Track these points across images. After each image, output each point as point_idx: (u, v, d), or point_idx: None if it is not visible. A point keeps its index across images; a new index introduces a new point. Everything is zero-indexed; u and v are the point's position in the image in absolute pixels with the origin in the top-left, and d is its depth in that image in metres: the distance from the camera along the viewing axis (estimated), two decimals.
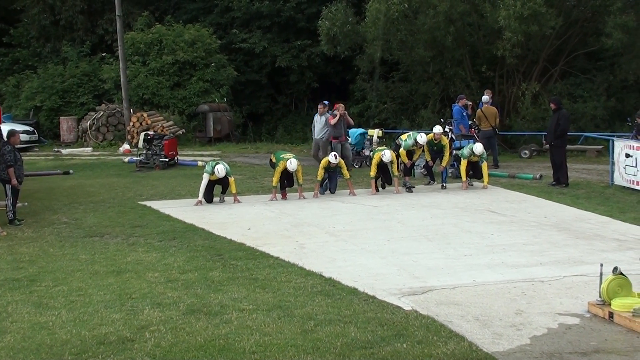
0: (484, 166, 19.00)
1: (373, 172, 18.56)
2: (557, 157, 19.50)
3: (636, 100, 29.12)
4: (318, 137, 21.56)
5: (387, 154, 18.32)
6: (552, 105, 19.90)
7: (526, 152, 26.14)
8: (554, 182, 19.38)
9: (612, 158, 19.36)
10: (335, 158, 18.24)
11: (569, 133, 24.70)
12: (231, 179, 17.55)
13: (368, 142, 25.01)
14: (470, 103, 23.82)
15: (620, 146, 19.08)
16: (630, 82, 29.20)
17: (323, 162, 18.38)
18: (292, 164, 17.65)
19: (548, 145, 19.95)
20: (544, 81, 29.24)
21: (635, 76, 28.68)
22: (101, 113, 32.34)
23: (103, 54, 35.91)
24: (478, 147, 18.79)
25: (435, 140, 19.42)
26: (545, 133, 20.85)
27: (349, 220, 15.30)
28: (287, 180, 18.13)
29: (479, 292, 10.37)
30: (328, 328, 8.75)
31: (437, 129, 19.61)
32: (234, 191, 17.54)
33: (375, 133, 25.33)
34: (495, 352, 8.09)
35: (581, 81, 29.76)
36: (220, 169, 17.15)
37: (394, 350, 8.09)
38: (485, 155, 19.26)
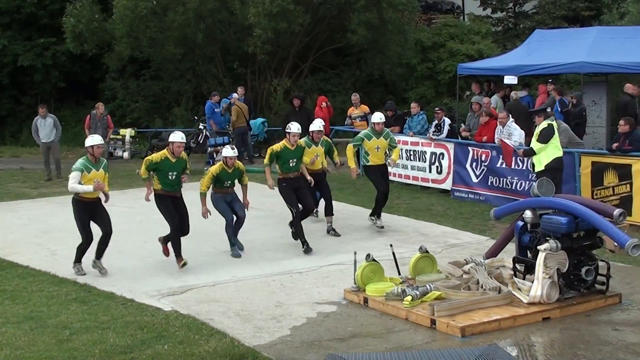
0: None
1: (267, 160, 13.41)
2: None
3: (381, 94, 30.43)
4: (49, 141, 20.58)
5: (294, 124, 13.47)
6: (296, 102, 20.10)
7: None
8: None
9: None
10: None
11: None
12: None
13: (120, 142, 24.48)
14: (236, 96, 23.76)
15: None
16: (375, 76, 30.47)
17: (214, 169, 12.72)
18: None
19: None
20: (295, 77, 29.84)
21: (380, 71, 29.97)
22: None
23: None
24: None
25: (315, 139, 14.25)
26: None
27: None
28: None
29: (239, 287, 10.41)
30: (85, 336, 8.45)
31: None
32: None
33: (128, 132, 24.79)
34: (257, 346, 8.13)
35: (330, 76, 30.65)
36: None
37: (155, 352, 7.94)
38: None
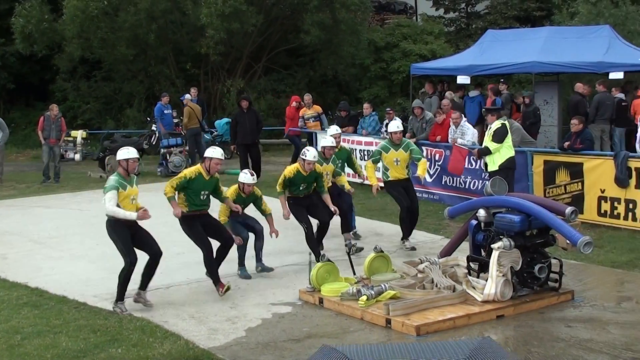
0: None
1: (280, 189, 11.74)
2: (258, 154, 19.56)
3: (335, 94, 30.50)
4: None
5: (310, 150, 11.86)
6: (244, 103, 19.52)
7: (234, 148, 26.41)
8: None
9: (317, 149, 19.99)
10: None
11: (274, 128, 25.40)
12: None
13: (72, 144, 24.18)
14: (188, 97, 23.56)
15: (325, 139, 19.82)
16: (329, 76, 30.58)
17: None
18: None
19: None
20: (248, 77, 29.78)
21: (333, 71, 30.08)
22: None
23: None
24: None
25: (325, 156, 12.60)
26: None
27: (55, 226, 14.63)
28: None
29: (193, 289, 10.34)
30: (37, 340, 8.34)
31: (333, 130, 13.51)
32: None
33: (79, 134, 24.49)
34: (212, 348, 8.08)
35: (283, 77, 30.65)
36: None
37: (109, 356, 7.87)
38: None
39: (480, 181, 15.22)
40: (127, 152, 9.66)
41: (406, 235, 12.65)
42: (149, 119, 25.05)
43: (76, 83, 30.54)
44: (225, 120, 25.31)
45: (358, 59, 30.27)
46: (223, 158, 10.46)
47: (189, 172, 10.30)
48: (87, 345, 8.18)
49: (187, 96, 23.36)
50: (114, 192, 9.36)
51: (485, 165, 14.15)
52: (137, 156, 9.79)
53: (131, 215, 9.38)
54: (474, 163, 15.54)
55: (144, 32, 27.56)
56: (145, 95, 29.94)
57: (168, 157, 21.14)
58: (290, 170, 11.63)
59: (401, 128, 12.99)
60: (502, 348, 4.76)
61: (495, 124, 13.68)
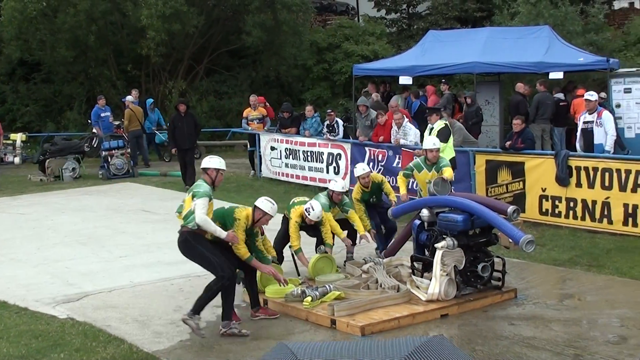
0: None
1: (296, 243, 10.52)
2: (192, 159, 19.13)
3: (278, 95, 30.43)
4: None
5: (315, 210, 10.51)
6: (182, 107, 18.89)
7: (174, 149, 26.19)
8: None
9: (259, 151, 20.02)
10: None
11: (216, 129, 25.26)
12: None
13: (11, 147, 23.75)
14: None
15: (266, 140, 19.81)
16: (271, 78, 30.49)
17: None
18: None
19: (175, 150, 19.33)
20: (190, 79, 29.59)
21: (276, 72, 30.03)
22: None
23: None
24: None
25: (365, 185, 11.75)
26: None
27: None
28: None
29: (136, 292, 10.24)
30: None
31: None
32: None
33: (19, 137, 24.06)
34: (156, 351, 8.02)
35: (226, 78, 30.51)
36: None
37: None
38: None
39: None
40: (219, 162, 8.78)
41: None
42: (89, 121, 24.72)
43: (15, 85, 30.01)
44: None
45: (300, 60, 30.29)
46: (274, 215, 9.30)
47: (244, 218, 8.97)
48: (29, 351, 8.05)
49: (129, 98, 23.15)
50: (207, 200, 8.43)
51: None
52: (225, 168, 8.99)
53: (221, 233, 8.51)
54: None
55: (84, 33, 27.20)
56: (86, 97, 29.52)
57: (110, 160, 20.88)
58: (298, 214, 10.53)
59: (438, 146, 11.78)
60: (455, 347, 4.71)
61: (438, 124, 13.79)
